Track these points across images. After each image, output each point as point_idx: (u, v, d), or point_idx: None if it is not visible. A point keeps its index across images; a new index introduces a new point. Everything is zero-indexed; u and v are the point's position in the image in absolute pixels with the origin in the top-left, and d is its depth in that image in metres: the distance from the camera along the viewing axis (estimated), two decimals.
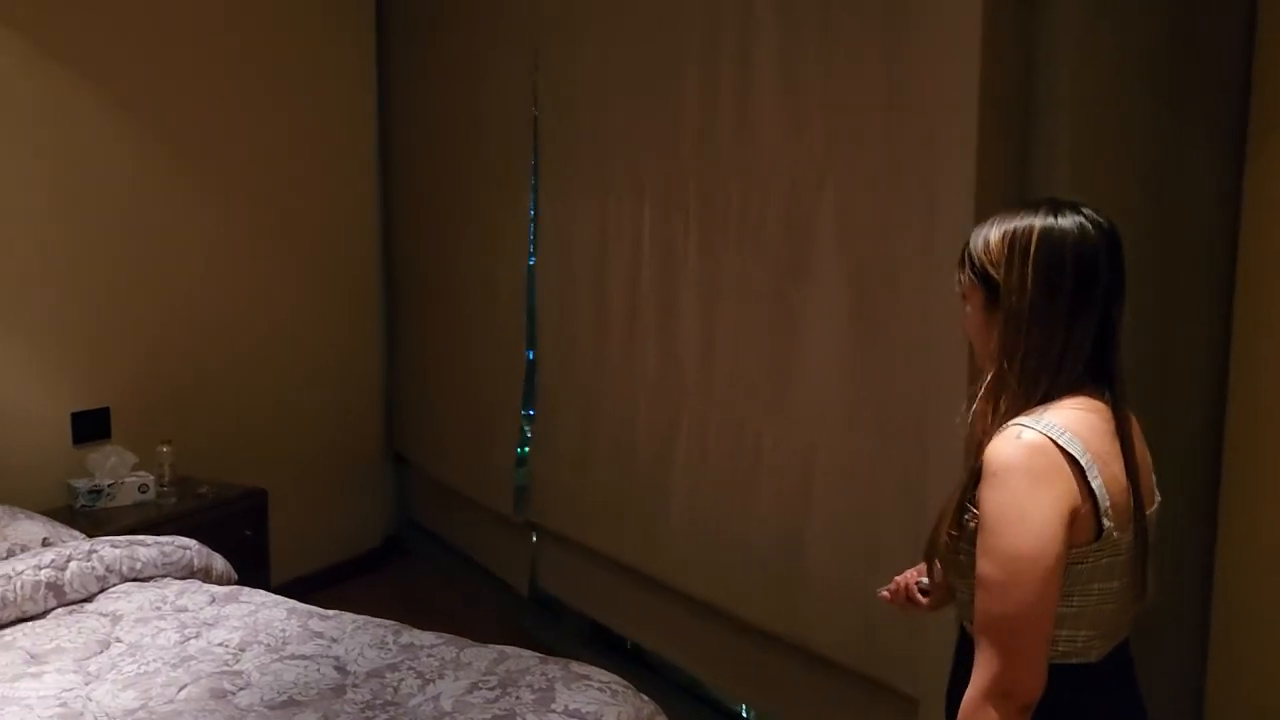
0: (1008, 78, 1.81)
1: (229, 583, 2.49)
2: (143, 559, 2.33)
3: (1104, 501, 1.11)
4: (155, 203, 3.16)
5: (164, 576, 2.36)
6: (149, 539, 2.41)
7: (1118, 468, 1.15)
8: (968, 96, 1.78)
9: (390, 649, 1.97)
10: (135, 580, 2.30)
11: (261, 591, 2.29)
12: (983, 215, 1.83)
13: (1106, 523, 1.11)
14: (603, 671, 1.87)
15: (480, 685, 1.78)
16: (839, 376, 2.11)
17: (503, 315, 3.39)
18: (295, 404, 3.72)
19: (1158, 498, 1.24)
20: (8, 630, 2.04)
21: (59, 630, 2.04)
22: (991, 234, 1.21)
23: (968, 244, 1.25)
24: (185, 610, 2.15)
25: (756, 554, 2.33)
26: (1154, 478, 1.25)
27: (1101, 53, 1.79)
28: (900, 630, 1.95)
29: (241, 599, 2.22)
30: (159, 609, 2.15)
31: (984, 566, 1.11)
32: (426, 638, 2.04)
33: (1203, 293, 1.87)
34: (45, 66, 2.83)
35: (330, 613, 2.16)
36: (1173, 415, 1.84)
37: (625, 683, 1.86)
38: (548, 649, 3.20)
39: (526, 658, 1.91)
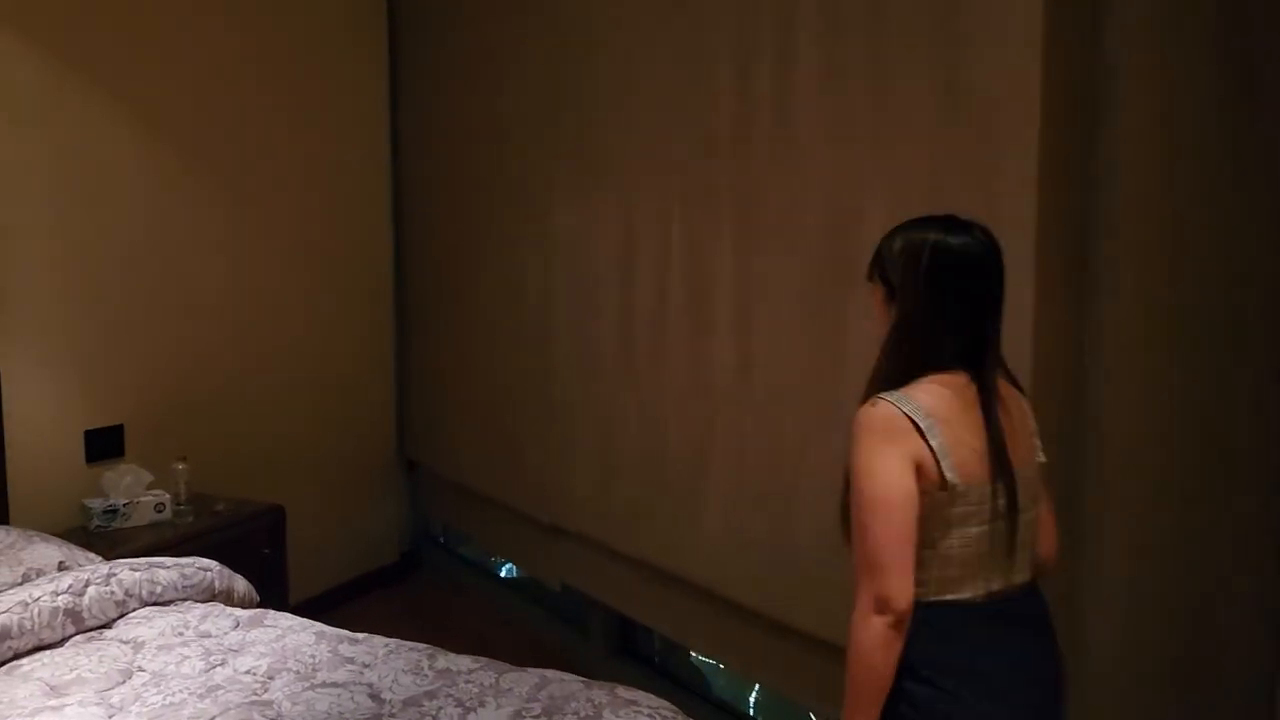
0: (1071, 74, 1.73)
1: (251, 605, 2.40)
2: (163, 582, 2.25)
3: (945, 457, 1.34)
4: (167, 216, 3.08)
5: (185, 600, 2.28)
6: (168, 561, 2.33)
7: (968, 433, 1.36)
8: (1028, 93, 1.70)
9: (426, 675, 1.88)
10: (155, 604, 2.22)
11: (287, 615, 2.20)
12: (1046, 221, 1.79)
13: (949, 474, 1.33)
14: (650, 696, 1.78)
15: (524, 713, 1.69)
16: None
17: (531, 319, 3.29)
18: (309, 417, 3.64)
19: (1040, 459, 1.47)
20: (25, 660, 1.95)
21: (79, 659, 1.95)
22: (896, 242, 1.45)
23: (880, 247, 1.47)
24: (209, 636, 2.07)
25: (799, 562, 2.24)
26: (1036, 442, 1.47)
27: (1166, 48, 1.71)
28: None
29: (266, 623, 2.13)
30: (181, 635, 2.07)
31: (854, 512, 1.37)
32: (463, 662, 1.95)
33: (1270, 293, 1.79)
34: (60, 79, 2.75)
35: (360, 636, 2.08)
36: (1240, 416, 1.76)
37: (673, 708, 1.77)
38: (577, 664, 3.14)
39: (570, 682, 1.82)
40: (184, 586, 2.29)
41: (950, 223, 1.42)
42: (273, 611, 2.21)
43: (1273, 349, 1.76)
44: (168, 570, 2.28)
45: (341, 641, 2.03)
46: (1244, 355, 1.77)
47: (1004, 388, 1.42)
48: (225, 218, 3.29)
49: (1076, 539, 1.80)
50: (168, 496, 2.78)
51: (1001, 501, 1.36)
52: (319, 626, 2.11)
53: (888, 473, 1.32)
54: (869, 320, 1.51)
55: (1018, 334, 1.71)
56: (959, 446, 1.34)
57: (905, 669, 1.33)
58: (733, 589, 2.48)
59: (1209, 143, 1.75)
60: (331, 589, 3.76)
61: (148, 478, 2.78)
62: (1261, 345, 1.76)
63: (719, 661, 2.74)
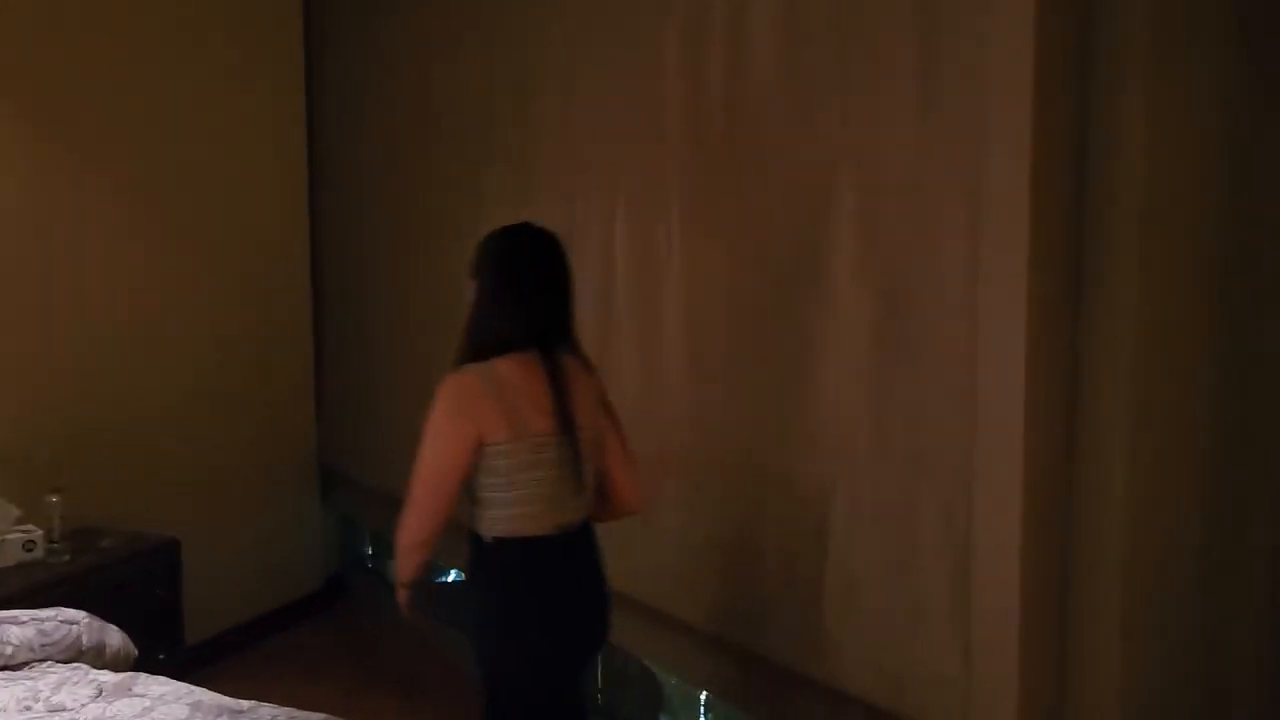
0: (1065, 44, 1.48)
1: (126, 664, 2.07)
2: (15, 641, 1.91)
3: (514, 415, 1.63)
4: (45, 216, 2.72)
5: (44, 660, 1.94)
6: (25, 614, 1.99)
7: (530, 399, 1.65)
8: (1021, 65, 1.44)
9: None
10: (6, 669, 1.88)
11: (161, 679, 1.87)
12: (1040, 213, 1.53)
13: (518, 430, 1.63)
14: None
15: None
16: (862, 397, 1.76)
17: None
18: (215, 437, 3.28)
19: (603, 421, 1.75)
20: None
21: None
22: (481, 244, 1.77)
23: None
24: (63, 710, 1.73)
25: (767, 598, 1.98)
26: (600, 410, 1.75)
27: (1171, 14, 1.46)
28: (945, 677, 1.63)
29: (135, 690, 1.80)
30: (29, 709, 1.73)
31: (419, 450, 1.67)
32: None
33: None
34: None
35: (245, 704, 1.76)
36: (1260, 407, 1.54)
37: None
38: None
39: None
40: (42, 645, 1.95)
41: (519, 226, 1.76)
42: (144, 676, 1.88)
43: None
44: (22, 626, 1.94)
45: (222, 714, 1.72)
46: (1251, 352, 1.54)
47: (572, 363, 1.72)
48: (119, 218, 2.95)
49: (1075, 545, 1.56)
50: (40, 533, 2.43)
51: (567, 452, 1.66)
52: (198, 694, 1.79)
53: (445, 437, 1.66)
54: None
55: (1010, 332, 1.48)
56: (525, 407, 1.64)
57: (494, 583, 1.71)
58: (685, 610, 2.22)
59: (1228, 120, 1.51)
60: (247, 623, 3.41)
61: (15, 512, 2.43)
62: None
63: (672, 677, 2.47)
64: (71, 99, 2.78)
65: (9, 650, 1.89)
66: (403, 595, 1.75)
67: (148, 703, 1.75)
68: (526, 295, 1.69)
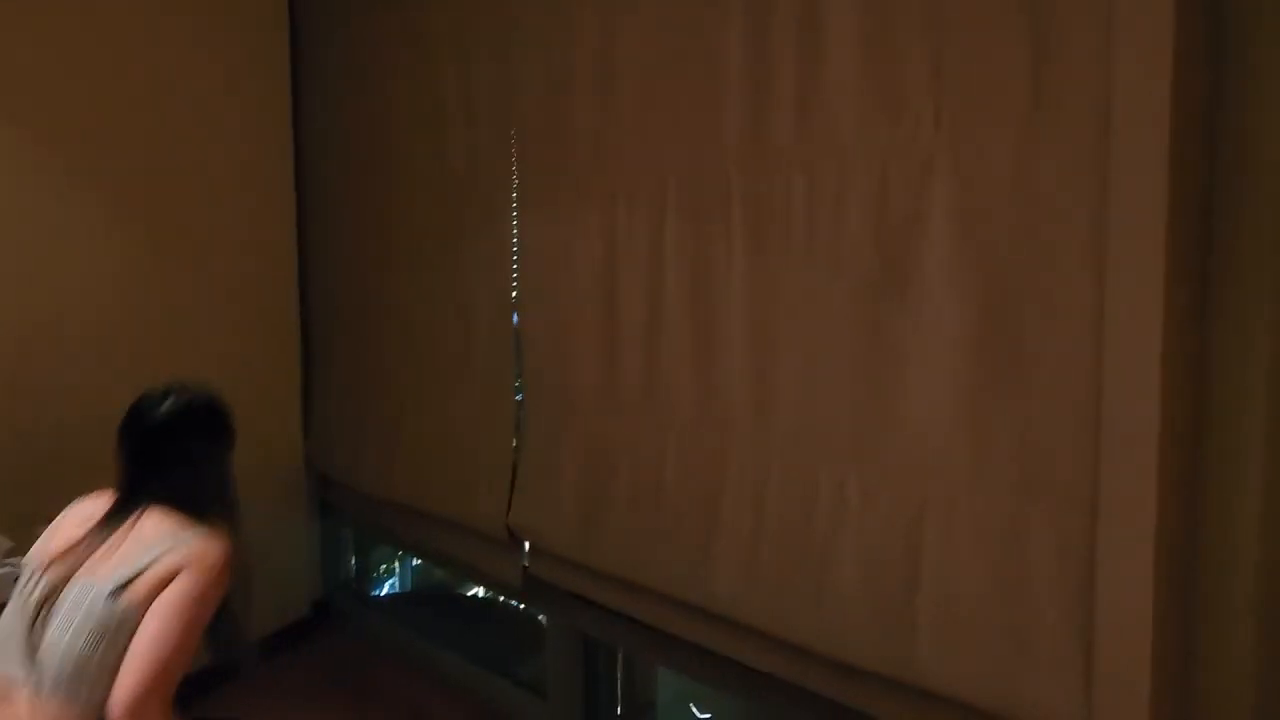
0: (1201, 30, 1.41)
1: None
2: None
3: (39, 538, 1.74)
4: (25, 222, 2.50)
5: None
6: None
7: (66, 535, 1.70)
8: (1159, 49, 1.36)
9: None
10: None
11: None
12: (1177, 212, 1.46)
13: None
14: None
15: None
16: (959, 415, 1.67)
17: (483, 347, 2.79)
18: None
19: (122, 599, 1.58)
20: None
21: None
22: None
23: None
24: None
25: (843, 639, 1.86)
26: (134, 568, 1.61)
27: None
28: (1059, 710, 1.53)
29: None
30: None
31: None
32: None
33: None
34: None
35: None
36: None
37: None
38: None
39: None
40: None
41: (163, 390, 1.82)
42: None
43: None
44: None
45: None
46: None
47: (152, 523, 1.69)
48: (100, 222, 2.72)
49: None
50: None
51: (35, 593, 1.62)
52: None
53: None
54: None
55: (1144, 344, 1.41)
56: (52, 537, 1.71)
57: None
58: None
59: None
60: None
61: (7, 544, 2.21)
62: None
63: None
64: (57, 103, 2.56)
65: None
66: None
67: None
68: (125, 454, 1.78)
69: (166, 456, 1.77)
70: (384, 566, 4.37)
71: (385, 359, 3.22)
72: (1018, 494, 1.60)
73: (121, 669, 1.54)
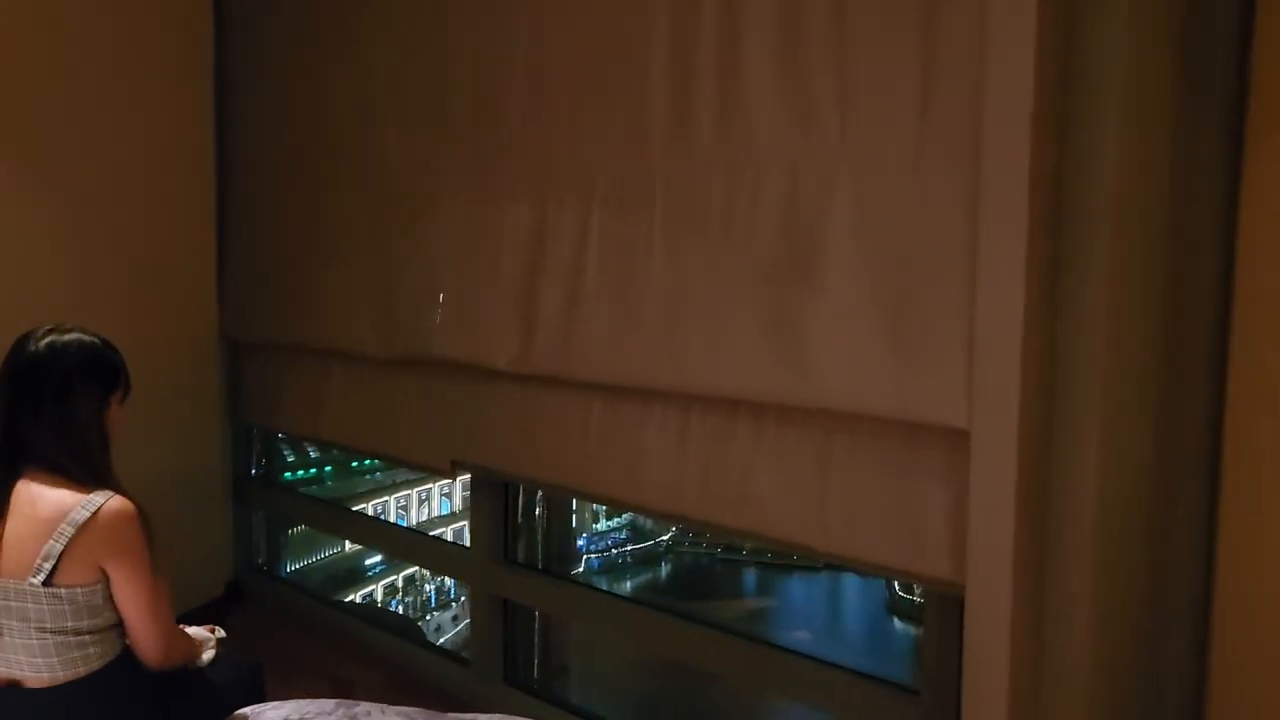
0: (1059, 49, 1.70)
1: None
2: None
3: None
4: None
5: None
6: None
7: None
8: (1022, 69, 1.65)
9: None
10: None
11: None
12: (1037, 221, 1.75)
13: None
14: None
15: None
16: (855, 377, 1.92)
17: (404, 340, 2.91)
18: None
19: (35, 580, 1.66)
20: None
21: None
22: None
23: None
24: None
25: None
26: (44, 564, 1.65)
27: (1144, 34, 1.71)
28: None
29: None
30: None
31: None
32: None
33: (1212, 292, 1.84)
34: None
35: None
36: (1184, 415, 1.80)
37: None
38: (456, 698, 2.85)
39: None
40: None
41: (46, 328, 1.78)
42: None
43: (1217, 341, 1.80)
44: None
45: None
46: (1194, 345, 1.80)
47: (39, 490, 1.70)
48: (18, 215, 2.74)
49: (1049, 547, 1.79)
50: None
51: None
52: None
53: None
54: None
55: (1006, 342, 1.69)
56: None
57: None
58: None
59: (1175, 128, 1.75)
60: None
61: None
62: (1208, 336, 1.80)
63: None
64: None
65: None
66: None
67: None
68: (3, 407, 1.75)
69: (45, 395, 1.73)
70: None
71: (308, 343, 3.32)
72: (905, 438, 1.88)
73: (132, 635, 1.78)
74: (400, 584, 5.82)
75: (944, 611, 1.96)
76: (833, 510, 1.99)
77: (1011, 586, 1.72)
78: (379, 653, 3.29)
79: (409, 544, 3.70)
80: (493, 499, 2.90)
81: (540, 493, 3.00)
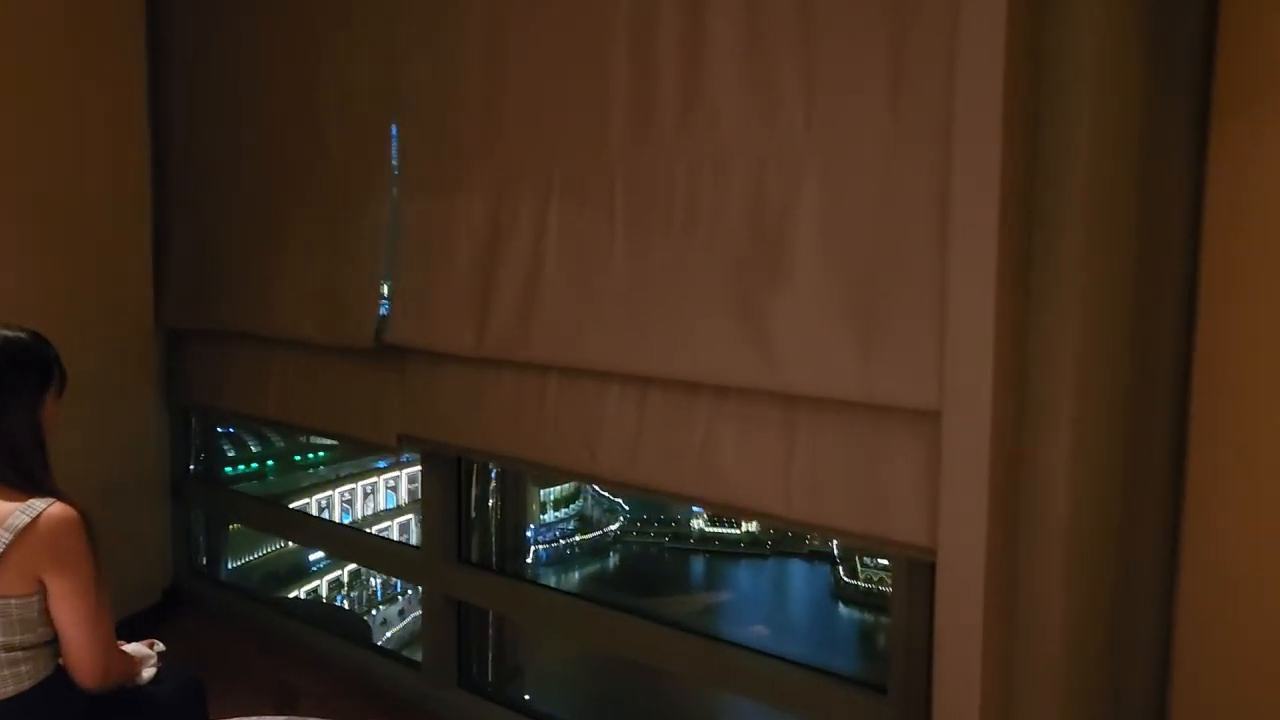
0: (1030, 45, 1.67)
1: None
2: None
3: None
4: None
5: None
6: None
7: None
8: (993, 63, 1.61)
9: None
10: None
11: None
12: (1008, 218, 1.72)
13: None
14: None
15: None
16: (824, 370, 1.88)
17: (353, 329, 2.80)
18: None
19: None
20: None
21: None
22: None
23: None
24: None
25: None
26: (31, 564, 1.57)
27: (1115, 29, 1.70)
28: None
29: None
30: None
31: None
32: None
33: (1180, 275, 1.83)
34: None
35: None
36: (1150, 415, 1.80)
37: None
38: (406, 703, 2.77)
39: None
40: None
41: None
42: None
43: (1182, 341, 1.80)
44: None
45: None
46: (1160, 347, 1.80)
47: None
48: None
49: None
50: None
51: None
52: None
53: None
54: None
55: (979, 322, 1.66)
56: None
57: None
58: None
59: (1145, 122, 1.75)
60: None
61: None
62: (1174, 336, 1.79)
63: None
64: None
65: None
66: None
67: None
68: None
69: None
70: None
71: (252, 331, 3.20)
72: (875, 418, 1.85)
73: (67, 653, 1.66)
74: (345, 579, 5.70)
75: (912, 582, 1.94)
76: (797, 477, 1.94)
77: (985, 550, 1.69)
78: (327, 657, 3.18)
79: (358, 545, 3.59)
80: (444, 490, 2.82)
81: (494, 484, 2.92)
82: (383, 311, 2.73)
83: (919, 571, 1.90)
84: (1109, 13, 1.66)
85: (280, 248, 3.01)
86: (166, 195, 3.44)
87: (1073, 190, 1.68)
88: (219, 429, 4.09)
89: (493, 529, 2.95)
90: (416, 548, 2.98)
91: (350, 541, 3.70)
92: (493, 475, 2.95)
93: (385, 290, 2.73)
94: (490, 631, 2.96)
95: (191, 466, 3.79)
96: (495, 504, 2.96)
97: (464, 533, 2.85)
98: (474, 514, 2.89)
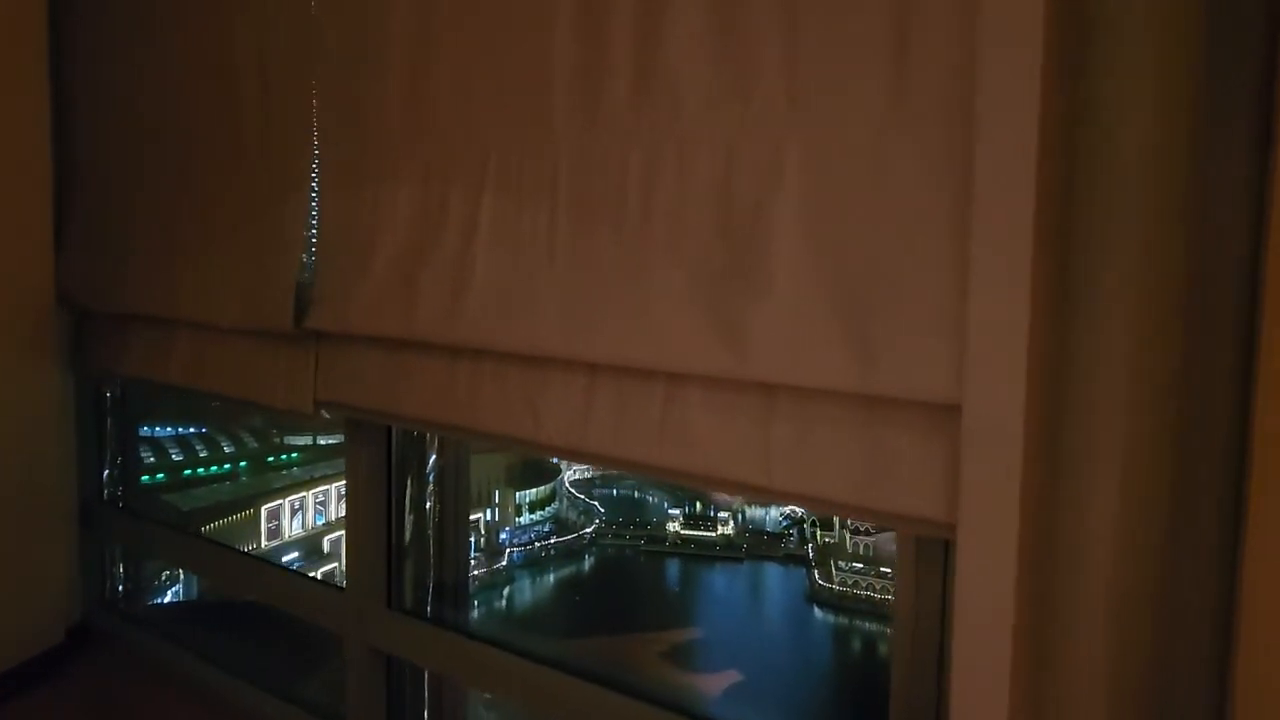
0: (1071, 32, 1.32)
1: None
2: None
3: None
4: None
5: None
6: None
7: None
8: (1030, 16, 1.26)
9: None
10: None
11: None
12: (1044, 208, 1.38)
13: None
14: None
15: None
16: (815, 389, 1.54)
17: (271, 314, 2.43)
18: None
19: None
20: None
21: None
22: None
23: None
24: None
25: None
26: None
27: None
28: None
29: None
30: None
31: None
32: None
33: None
34: None
35: None
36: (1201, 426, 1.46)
37: None
38: None
39: None
40: None
41: None
42: None
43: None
44: None
45: None
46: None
47: None
48: None
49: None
50: None
51: None
52: None
53: None
54: None
55: (1008, 354, 1.31)
56: None
57: None
58: None
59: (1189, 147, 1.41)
60: None
61: None
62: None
63: None
64: None
65: None
66: None
67: None
68: None
69: None
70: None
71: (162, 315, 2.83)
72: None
73: None
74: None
75: (920, 562, 1.64)
76: (778, 442, 1.59)
77: (1018, 524, 1.31)
78: (248, 710, 2.81)
79: (271, 582, 3.12)
80: (373, 497, 2.47)
81: (432, 493, 2.55)
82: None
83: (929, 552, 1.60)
84: None
85: (192, 233, 2.65)
86: (70, 165, 3.05)
87: (1121, 164, 1.33)
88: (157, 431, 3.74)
89: (431, 553, 2.58)
90: (341, 589, 2.60)
91: (263, 576, 3.13)
92: (430, 478, 2.58)
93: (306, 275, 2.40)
94: (427, 686, 2.59)
95: (106, 472, 3.38)
96: (434, 505, 2.59)
97: (395, 559, 2.49)
98: (410, 537, 2.53)
